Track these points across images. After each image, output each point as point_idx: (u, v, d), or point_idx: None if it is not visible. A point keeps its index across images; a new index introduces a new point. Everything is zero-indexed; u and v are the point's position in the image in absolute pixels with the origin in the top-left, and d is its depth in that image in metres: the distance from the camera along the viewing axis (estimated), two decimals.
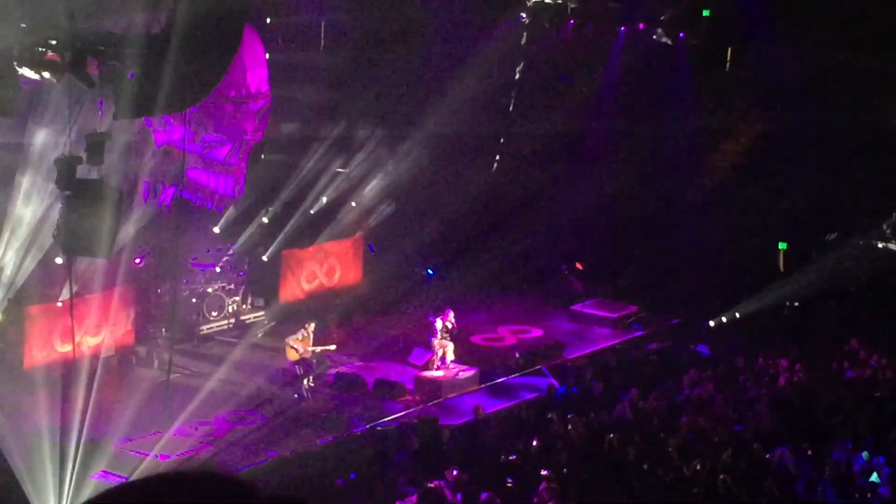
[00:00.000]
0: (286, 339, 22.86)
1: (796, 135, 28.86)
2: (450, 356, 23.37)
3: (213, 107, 21.99)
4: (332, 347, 23.33)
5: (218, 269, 25.64)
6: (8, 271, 21.29)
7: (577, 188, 30.35)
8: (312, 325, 22.96)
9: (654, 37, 30.48)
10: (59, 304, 22.11)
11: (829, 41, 27.78)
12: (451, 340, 23.39)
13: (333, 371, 23.35)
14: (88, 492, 17.38)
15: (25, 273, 21.48)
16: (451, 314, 23.41)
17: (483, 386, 23.52)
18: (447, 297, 24.37)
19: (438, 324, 23.21)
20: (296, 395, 22.19)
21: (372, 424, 21.01)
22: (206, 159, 22.56)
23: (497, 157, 31.69)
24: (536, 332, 27.06)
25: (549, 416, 20.23)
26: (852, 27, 27.38)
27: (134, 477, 18.01)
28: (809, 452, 18.12)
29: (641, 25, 30.46)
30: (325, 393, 22.65)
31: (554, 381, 23.17)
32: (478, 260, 28.86)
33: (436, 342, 23.24)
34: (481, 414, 21.07)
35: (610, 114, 31.46)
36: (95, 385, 20.39)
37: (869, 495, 17.29)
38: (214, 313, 25.34)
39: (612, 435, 18.99)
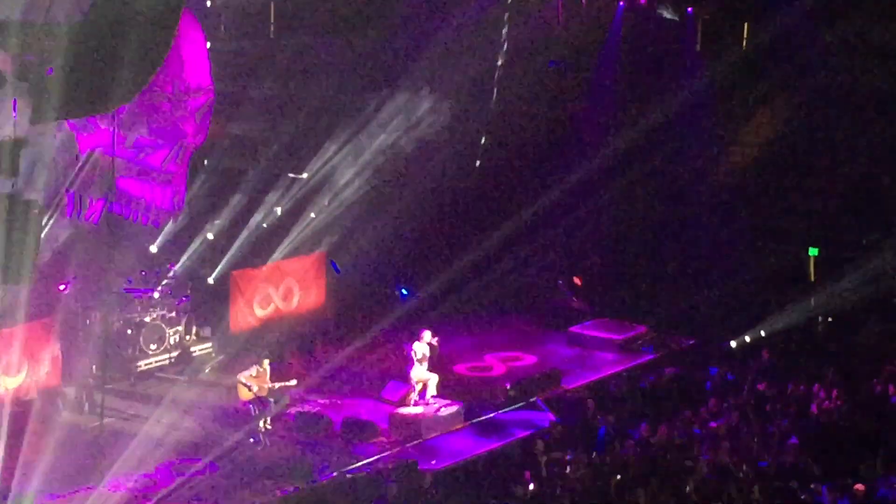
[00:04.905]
0: (238, 376, 22.91)
1: (826, 122, 29.03)
2: (431, 391, 23.43)
3: (146, 105, 22.02)
4: (293, 383, 23.36)
5: (156, 295, 25.66)
6: None
7: (572, 188, 30.40)
8: (267, 362, 23.01)
9: (659, 12, 30.65)
10: None
11: (860, 12, 27.94)
12: (433, 371, 23.43)
13: (294, 410, 23.41)
14: None
15: None
16: (428, 333, 23.45)
17: (469, 423, 23.61)
18: (424, 320, 24.41)
19: (417, 348, 23.25)
20: (251, 440, 22.22)
21: (341, 471, 21.07)
22: (140, 166, 22.57)
23: (479, 156, 31.77)
24: (530, 359, 27.16)
25: (546, 455, 20.35)
26: None
27: None
28: (855, 488, 18.20)
29: (643, 0, 30.64)
30: (285, 436, 22.68)
31: (551, 416, 23.26)
32: (459, 276, 28.91)
33: (414, 375, 23.30)
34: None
35: (609, 102, 31.59)
36: (16, 433, 20.37)
37: None
38: (153, 346, 25.35)
39: (618, 476, 19.12)
